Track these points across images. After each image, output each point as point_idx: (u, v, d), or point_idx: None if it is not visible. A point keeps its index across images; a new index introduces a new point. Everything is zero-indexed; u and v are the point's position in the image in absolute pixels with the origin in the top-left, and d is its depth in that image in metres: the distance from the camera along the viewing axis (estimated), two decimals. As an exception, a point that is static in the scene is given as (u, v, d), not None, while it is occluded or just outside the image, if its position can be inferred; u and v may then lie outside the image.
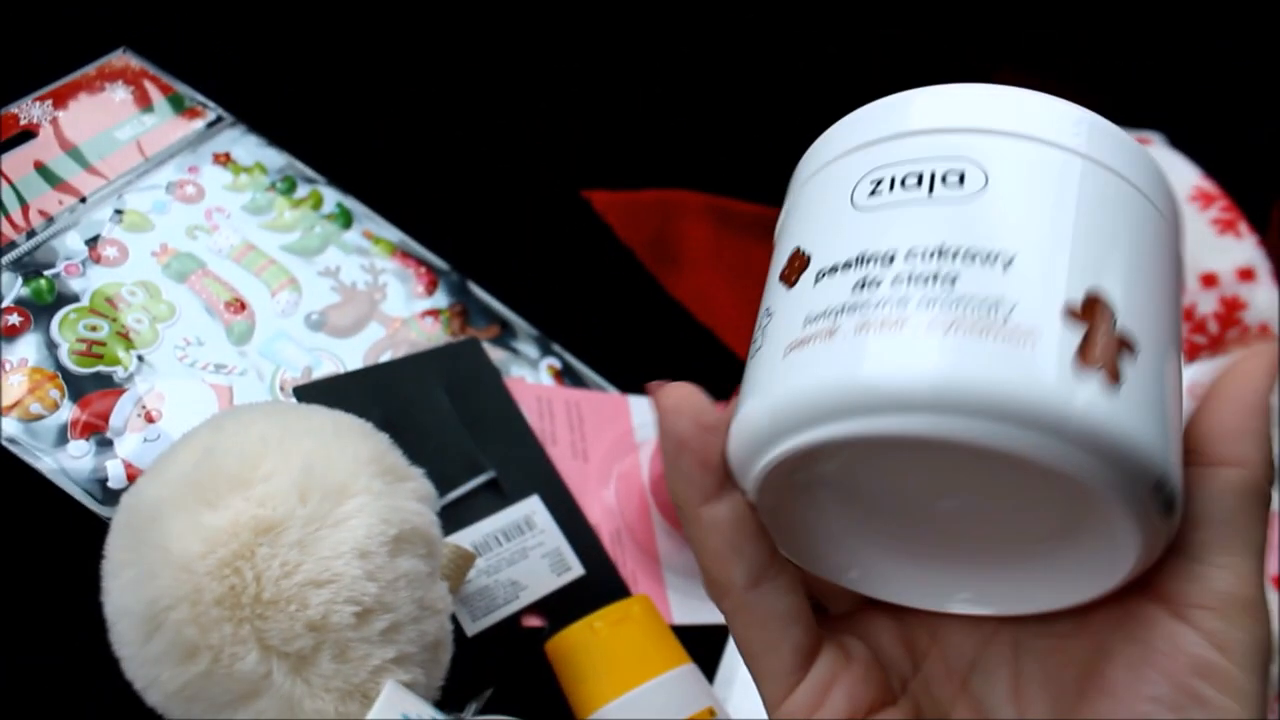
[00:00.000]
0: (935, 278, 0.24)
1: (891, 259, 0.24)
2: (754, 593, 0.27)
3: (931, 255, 0.24)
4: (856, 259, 0.25)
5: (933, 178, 0.25)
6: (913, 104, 0.27)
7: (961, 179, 0.25)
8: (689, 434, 0.26)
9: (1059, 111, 0.26)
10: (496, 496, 0.48)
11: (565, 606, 0.46)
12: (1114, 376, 0.23)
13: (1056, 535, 0.27)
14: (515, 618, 0.46)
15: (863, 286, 0.25)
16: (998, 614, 0.29)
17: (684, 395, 0.27)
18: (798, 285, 0.26)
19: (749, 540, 0.27)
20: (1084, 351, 0.23)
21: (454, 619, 0.40)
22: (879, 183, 0.26)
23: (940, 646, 0.30)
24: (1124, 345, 0.24)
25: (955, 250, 0.24)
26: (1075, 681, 0.27)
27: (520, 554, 0.47)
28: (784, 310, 0.26)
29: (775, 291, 0.27)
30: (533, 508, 0.48)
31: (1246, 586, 0.25)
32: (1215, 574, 0.25)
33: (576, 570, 0.48)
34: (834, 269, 0.25)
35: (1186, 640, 0.25)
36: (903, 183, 0.25)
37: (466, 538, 0.46)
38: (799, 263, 0.26)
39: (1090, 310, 0.24)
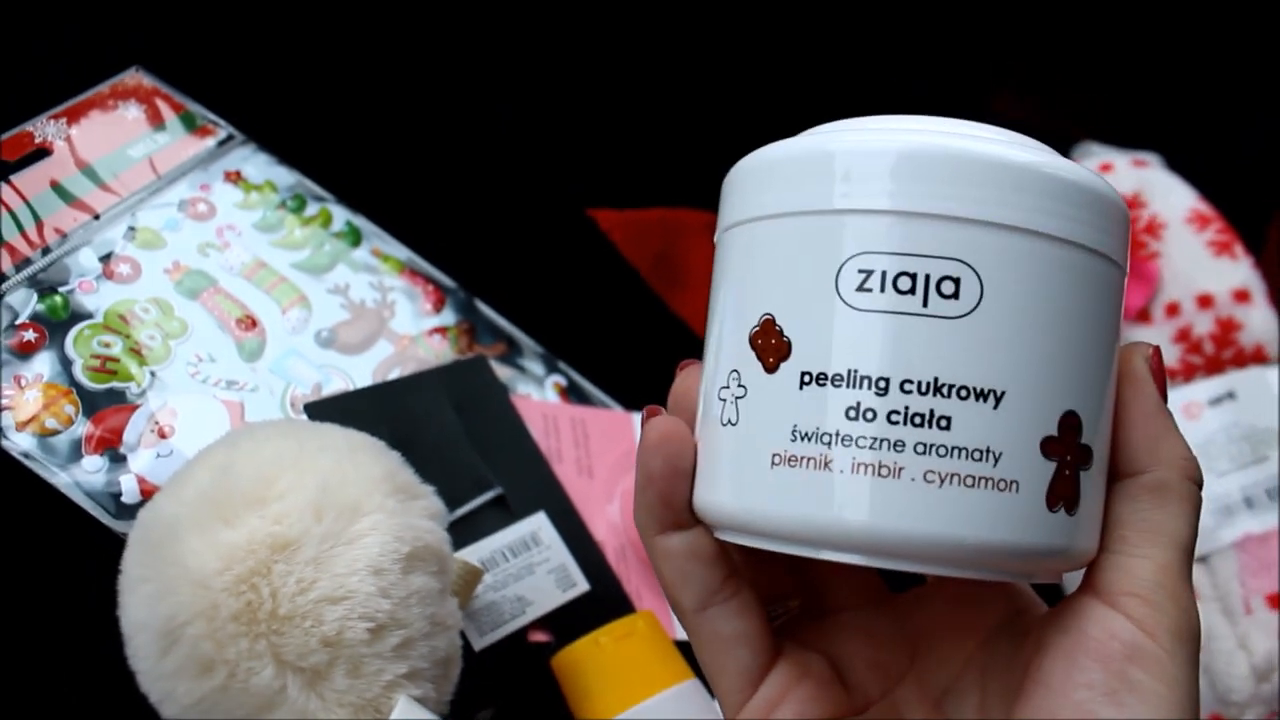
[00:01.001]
0: (931, 418, 0.24)
1: (886, 387, 0.25)
2: (701, 616, 0.29)
3: (927, 389, 0.24)
4: (848, 375, 0.25)
5: (927, 283, 0.25)
6: (897, 168, 0.25)
7: (957, 289, 0.25)
8: (659, 473, 0.28)
9: (1042, 184, 0.25)
10: (503, 513, 0.49)
11: (571, 622, 0.47)
12: (1071, 508, 0.26)
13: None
14: (522, 633, 0.46)
15: (856, 415, 0.25)
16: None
17: (667, 434, 0.28)
18: (779, 374, 0.26)
19: (699, 568, 0.29)
20: (1052, 493, 0.25)
21: (462, 634, 0.40)
22: (868, 275, 0.25)
23: (918, 672, 0.32)
24: (1084, 460, 0.26)
25: (950, 386, 0.25)
26: (1020, 683, 0.28)
27: (527, 570, 0.47)
28: (764, 399, 0.26)
29: (747, 362, 0.26)
30: (539, 524, 0.49)
31: (1167, 575, 0.27)
32: (1138, 564, 0.27)
33: (582, 586, 0.48)
34: (823, 378, 0.25)
35: (1117, 625, 0.26)
36: (895, 284, 0.25)
37: (474, 554, 0.46)
38: (777, 344, 0.26)
39: (1063, 441, 0.25)
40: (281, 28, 0.63)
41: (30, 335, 0.47)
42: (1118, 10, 0.75)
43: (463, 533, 0.47)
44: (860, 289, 0.25)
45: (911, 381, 0.24)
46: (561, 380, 0.56)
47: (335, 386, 0.51)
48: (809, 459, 0.25)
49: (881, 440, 0.24)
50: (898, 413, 0.24)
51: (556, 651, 0.45)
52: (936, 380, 0.24)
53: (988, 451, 0.25)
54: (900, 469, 0.24)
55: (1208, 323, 0.58)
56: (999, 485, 0.25)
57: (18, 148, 0.51)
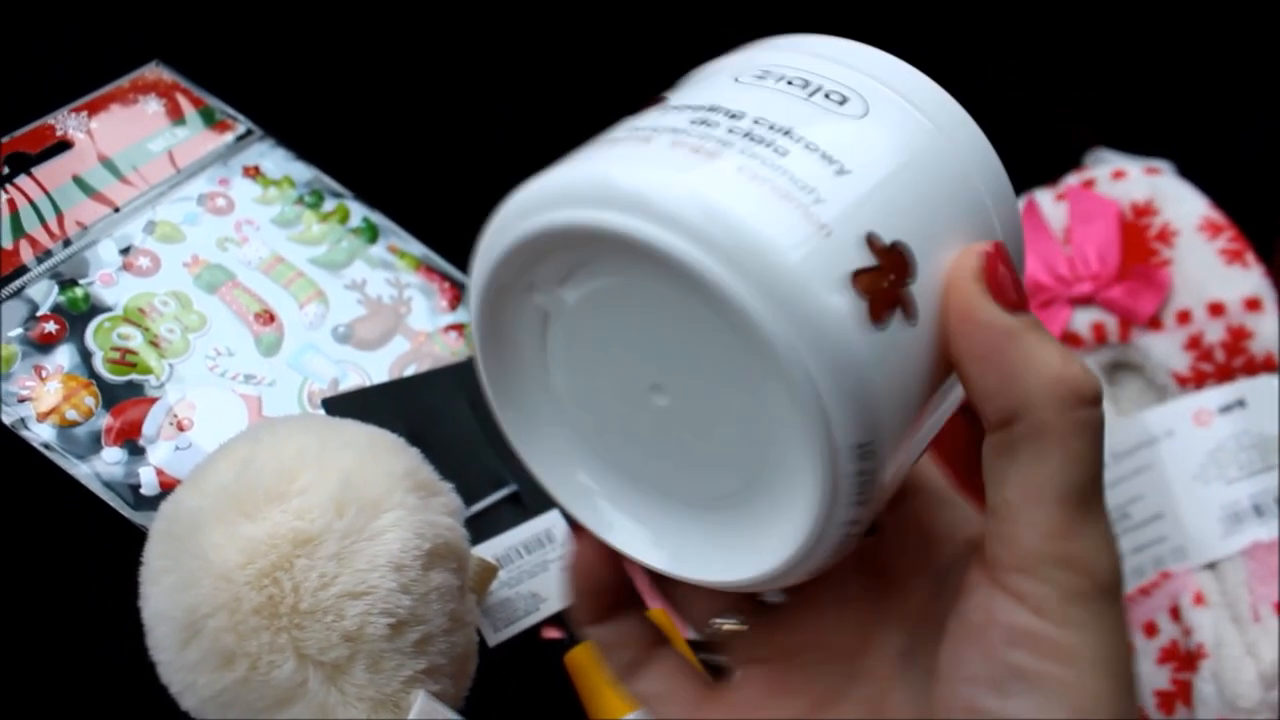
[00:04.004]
0: (770, 144, 0.24)
1: (739, 116, 0.25)
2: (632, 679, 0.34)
3: (778, 130, 0.24)
4: (709, 106, 0.25)
5: (819, 90, 0.26)
6: (826, 42, 0.29)
7: (843, 100, 0.26)
8: (581, 590, 0.33)
9: (933, 88, 0.28)
10: (518, 510, 0.49)
11: (584, 619, 0.47)
12: (875, 317, 0.22)
13: (747, 487, 0.26)
14: (536, 629, 0.47)
15: (702, 124, 0.25)
16: (683, 576, 0.28)
17: (588, 565, 0.32)
18: (642, 113, 0.27)
19: (628, 645, 0.33)
20: (859, 278, 0.23)
21: (476, 630, 0.41)
22: (767, 73, 0.27)
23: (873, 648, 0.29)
24: (903, 305, 0.23)
25: (802, 138, 0.24)
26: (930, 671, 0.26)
27: (541, 566, 0.48)
28: (616, 127, 0.27)
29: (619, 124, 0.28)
30: (553, 521, 0.49)
31: (1052, 540, 0.23)
32: (1021, 531, 0.23)
33: (595, 584, 0.48)
34: (684, 107, 0.26)
35: (995, 606, 0.23)
36: (789, 80, 0.26)
37: (489, 550, 0.47)
38: (655, 101, 0.27)
39: (887, 254, 0.23)
40: (300, 24, 0.64)
41: (51, 327, 0.47)
42: (1124, 12, 0.75)
43: (478, 529, 0.47)
44: (757, 78, 0.27)
45: (765, 120, 0.25)
46: (575, 379, 0.57)
47: (352, 382, 0.51)
48: (630, 139, 0.25)
49: (710, 137, 0.24)
50: (740, 129, 0.24)
51: (569, 648, 0.45)
52: (791, 128, 0.24)
53: (815, 190, 0.23)
54: (717, 154, 0.23)
55: (1219, 330, 0.59)
56: (813, 217, 0.23)
57: (39, 140, 0.52)
